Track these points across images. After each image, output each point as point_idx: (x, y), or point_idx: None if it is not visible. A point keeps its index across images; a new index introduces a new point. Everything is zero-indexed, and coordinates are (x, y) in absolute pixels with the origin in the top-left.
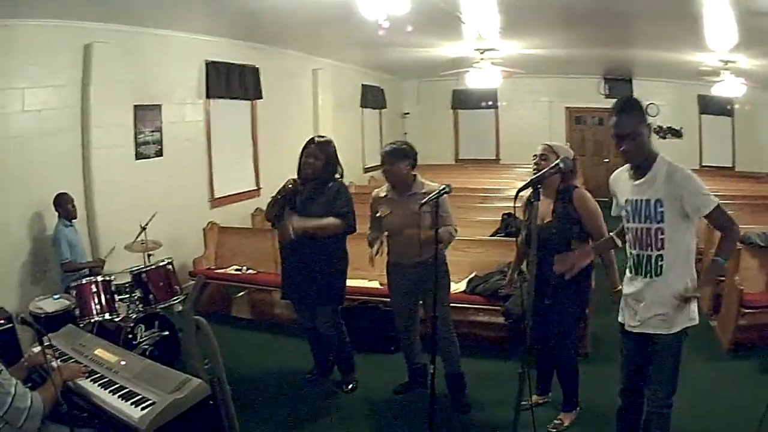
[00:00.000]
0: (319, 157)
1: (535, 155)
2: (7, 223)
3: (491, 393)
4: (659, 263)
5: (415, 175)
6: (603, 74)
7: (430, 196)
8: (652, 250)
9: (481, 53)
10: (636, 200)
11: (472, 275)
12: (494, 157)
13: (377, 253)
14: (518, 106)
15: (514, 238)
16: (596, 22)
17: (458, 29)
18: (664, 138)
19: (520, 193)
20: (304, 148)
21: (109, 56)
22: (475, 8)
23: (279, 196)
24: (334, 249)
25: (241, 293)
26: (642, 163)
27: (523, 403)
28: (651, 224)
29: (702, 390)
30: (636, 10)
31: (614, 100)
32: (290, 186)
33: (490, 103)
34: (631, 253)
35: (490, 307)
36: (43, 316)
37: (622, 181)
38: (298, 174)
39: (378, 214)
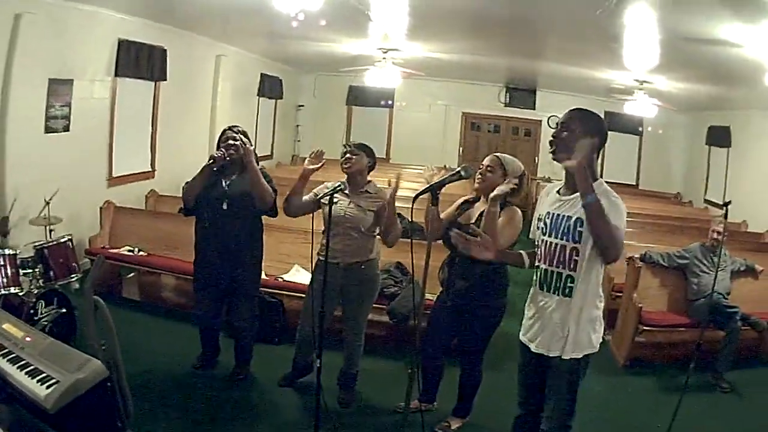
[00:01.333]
0: (239, 140)
1: (481, 165)
2: None
3: (376, 392)
4: (568, 283)
5: (369, 179)
6: (505, 83)
7: (327, 191)
8: (563, 269)
9: (384, 52)
10: (557, 215)
11: None
12: (384, 156)
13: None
14: (414, 107)
15: (403, 239)
16: (505, 31)
17: (365, 27)
18: None
19: (417, 198)
20: (221, 135)
21: (36, 28)
22: (384, 8)
23: (207, 170)
24: (258, 236)
25: (131, 274)
26: (573, 177)
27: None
28: (567, 242)
29: (597, 405)
30: (550, 25)
31: (515, 109)
32: (210, 164)
33: (387, 102)
34: (539, 267)
35: (375, 305)
36: None
37: (549, 196)
38: (217, 160)
39: (319, 197)
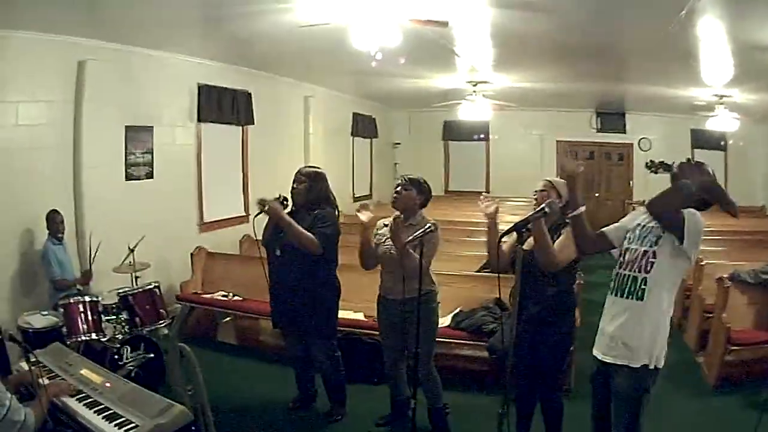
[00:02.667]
0: (302, 182)
1: (535, 191)
2: None
3: (473, 428)
4: (642, 286)
5: (422, 214)
6: (595, 108)
7: (416, 234)
8: (639, 272)
9: (474, 86)
10: (645, 225)
11: (457, 310)
12: (484, 190)
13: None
14: (509, 138)
15: (502, 275)
16: (589, 57)
17: (451, 61)
18: (656, 173)
19: (503, 238)
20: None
21: (102, 74)
22: (469, 42)
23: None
24: (325, 279)
25: (227, 319)
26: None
27: None
28: (648, 248)
29: (687, 426)
30: (629, 46)
31: (606, 134)
32: (276, 199)
33: (481, 135)
34: (618, 273)
35: (475, 342)
36: (31, 331)
37: (644, 215)
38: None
39: (376, 236)
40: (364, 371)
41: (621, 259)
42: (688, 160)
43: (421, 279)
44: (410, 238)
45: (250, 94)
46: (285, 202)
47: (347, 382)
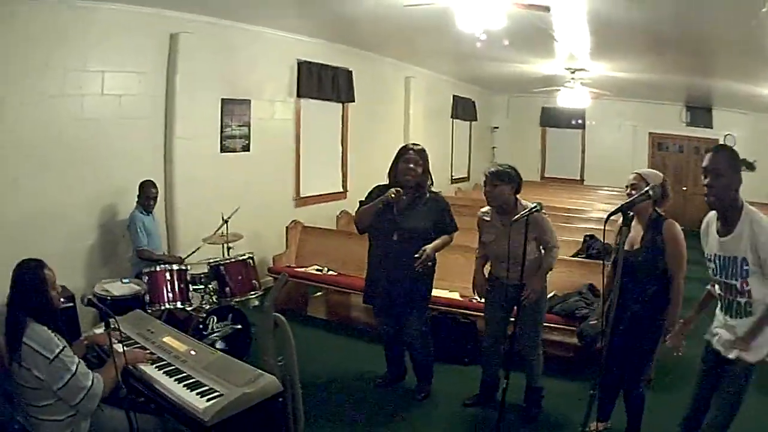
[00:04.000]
0: (419, 164)
1: (627, 185)
2: (77, 204)
3: (556, 412)
4: (748, 308)
5: (517, 199)
6: (684, 102)
7: (522, 213)
8: (741, 297)
9: (572, 73)
10: (722, 257)
11: (552, 294)
12: (578, 178)
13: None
14: (604, 128)
15: (596, 260)
16: (679, 49)
17: (551, 47)
18: None
19: (611, 218)
20: (400, 155)
21: (196, 47)
22: (567, 28)
23: (380, 205)
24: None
25: (319, 293)
26: (727, 214)
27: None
28: (737, 281)
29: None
30: (717, 40)
31: (695, 128)
32: (393, 196)
33: (579, 121)
34: (720, 295)
35: (565, 327)
36: (109, 299)
37: (711, 234)
38: (392, 181)
39: (483, 239)
40: (455, 351)
41: (716, 286)
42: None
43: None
44: (515, 218)
45: (351, 72)
46: (399, 195)
47: (437, 361)
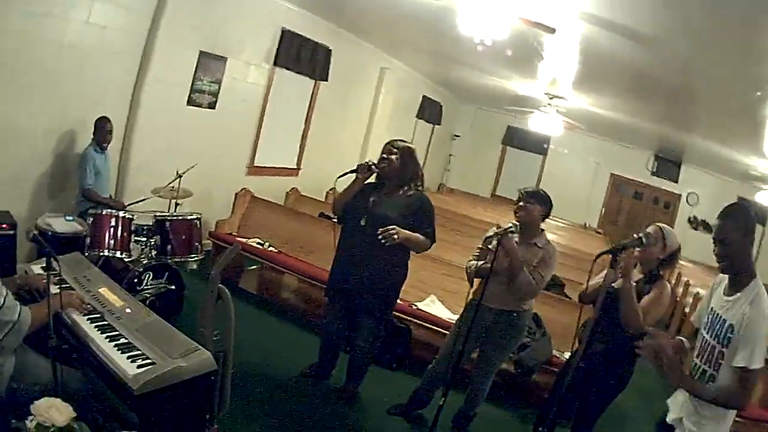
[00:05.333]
0: (395, 154)
1: (648, 232)
2: (37, 131)
3: None
4: (709, 383)
5: (542, 229)
6: (655, 150)
7: (497, 231)
8: (708, 367)
9: (550, 98)
10: (717, 315)
11: None
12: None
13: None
14: (567, 158)
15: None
16: (669, 97)
17: (535, 68)
18: (696, 229)
19: (598, 259)
20: (384, 146)
21: None
22: (559, 52)
23: (354, 188)
24: (399, 261)
25: (254, 267)
26: (737, 277)
27: None
28: (716, 344)
29: None
30: (708, 95)
31: (660, 179)
32: (368, 164)
33: (542, 148)
34: (693, 362)
35: None
36: (50, 234)
37: (718, 291)
38: (359, 170)
39: (490, 247)
40: (385, 355)
41: (696, 342)
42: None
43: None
44: (490, 235)
45: (330, 51)
46: (374, 167)
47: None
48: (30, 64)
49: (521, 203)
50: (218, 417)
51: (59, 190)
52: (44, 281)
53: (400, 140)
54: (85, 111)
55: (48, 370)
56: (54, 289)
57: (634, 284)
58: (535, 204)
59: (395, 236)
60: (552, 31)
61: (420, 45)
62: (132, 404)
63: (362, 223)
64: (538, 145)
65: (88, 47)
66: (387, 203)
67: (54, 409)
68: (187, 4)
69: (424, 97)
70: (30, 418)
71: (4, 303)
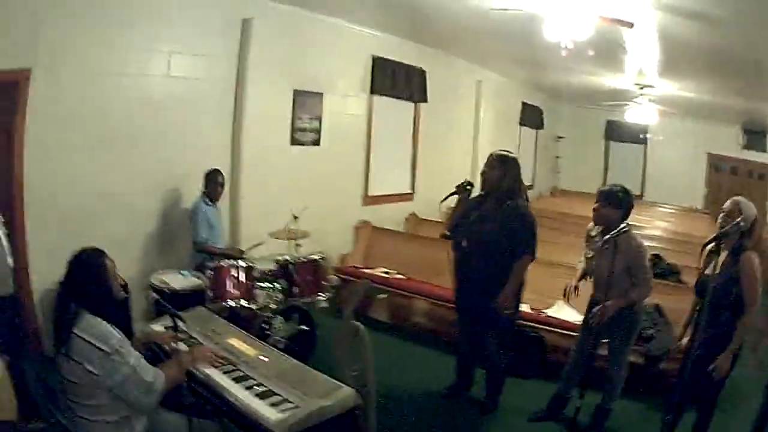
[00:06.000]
0: (495, 167)
1: (722, 210)
2: (138, 190)
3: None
4: None
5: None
6: (742, 125)
7: (612, 233)
8: None
9: (641, 88)
10: None
11: None
12: (638, 193)
13: (574, 291)
14: (666, 145)
15: (661, 280)
16: (744, 73)
17: (621, 62)
18: None
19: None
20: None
21: (269, 35)
22: (640, 44)
23: (459, 206)
24: (508, 270)
25: (383, 296)
26: None
27: None
28: None
29: None
30: None
31: (750, 152)
32: (464, 185)
33: (641, 138)
34: None
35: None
36: (167, 291)
37: None
38: (458, 190)
39: (585, 253)
40: (520, 365)
41: None
42: None
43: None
44: (606, 238)
45: (424, 71)
46: (469, 188)
47: (506, 374)
48: (118, 125)
49: (595, 206)
50: None
51: (168, 246)
52: (169, 338)
53: (500, 151)
54: (185, 164)
55: (180, 426)
56: (182, 346)
57: (721, 263)
58: (609, 207)
59: (506, 310)
60: (630, 25)
61: (510, 54)
62: None
63: (463, 244)
64: (637, 136)
65: (173, 100)
66: (488, 218)
67: None
68: (271, 44)
69: (523, 103)
70: None
71: (137, 364)
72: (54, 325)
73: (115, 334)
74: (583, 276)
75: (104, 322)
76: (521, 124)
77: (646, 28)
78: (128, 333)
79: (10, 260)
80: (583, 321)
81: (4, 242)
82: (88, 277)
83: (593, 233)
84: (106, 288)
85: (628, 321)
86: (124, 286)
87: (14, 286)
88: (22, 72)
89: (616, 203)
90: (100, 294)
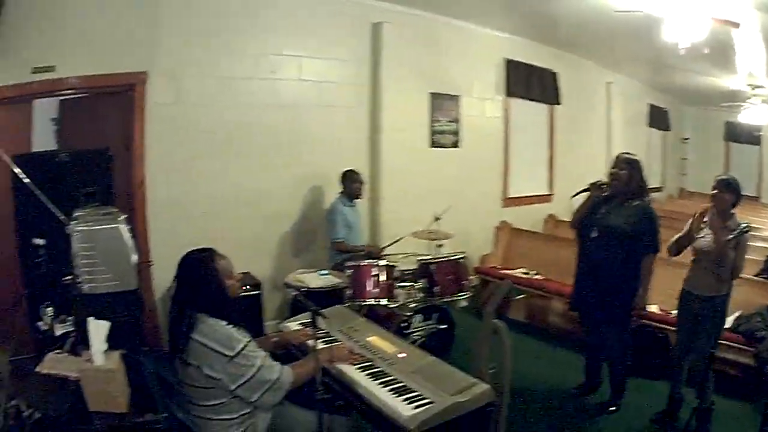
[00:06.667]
0: (623, 169)
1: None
2: (274, 190)
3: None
4: None
5: (734, 213)
6: None
7: (735, 232)
8: None
9: (753, 89)
10: None
11: (739, 313)
12: (755, 195)
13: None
14: None
15: None
16: None
17: (732, 62)
18: None
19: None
20: (614, 160)
21: (400, 38)
22: (746, 43)
23: (588, 203)
24: (635, 269)
25: (521, 296)
26: None
27: None
28: None
29: None
30: None
31: None
32: (598, 184)
33: (756, 136)
34: None
35: (743, 347)
36: (304, 290)
37: None
38: (590, 190)
39: (694, 232)
40: (646, 365)
41: None
42: None
43: (732, 278)
44: (731, 237)
45: (556, 74)
46: (603, 186)
47: (630, 375)
48: (250, 127)
49: (714, 191)
50: None
51: (303, 245)
52: (303, 337)
53: (626, 154)
54: (322, 166)
55: (308, 422)
56: (319, 345)
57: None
58: (725, 192)
59: (643, 311)
60: (737, 25)
61: (635, 55)
62: None
63: (593, 234)
64: (752, 136)
65: (306, 103)
66: (615, 214)
67: None
68: (402, 48)
69: (650, 105)
70: None
71: (261, 364)
72: (169, 332)
73: (239, 336)
74: (684, 245)
75: (226, 324)
76: (650, 125)
77: (751, 29)
78: (259, 330)
79: (134, 257)
80: (680, 311)
81: (128, 239)
82: (200, 280)
83: (707, 217)
84: (221, 289)
85: (716, 313)
86: (257, 285)
87: (137, 282)
88: (138, 74)
89: (732, 189)
90: (215, 295)
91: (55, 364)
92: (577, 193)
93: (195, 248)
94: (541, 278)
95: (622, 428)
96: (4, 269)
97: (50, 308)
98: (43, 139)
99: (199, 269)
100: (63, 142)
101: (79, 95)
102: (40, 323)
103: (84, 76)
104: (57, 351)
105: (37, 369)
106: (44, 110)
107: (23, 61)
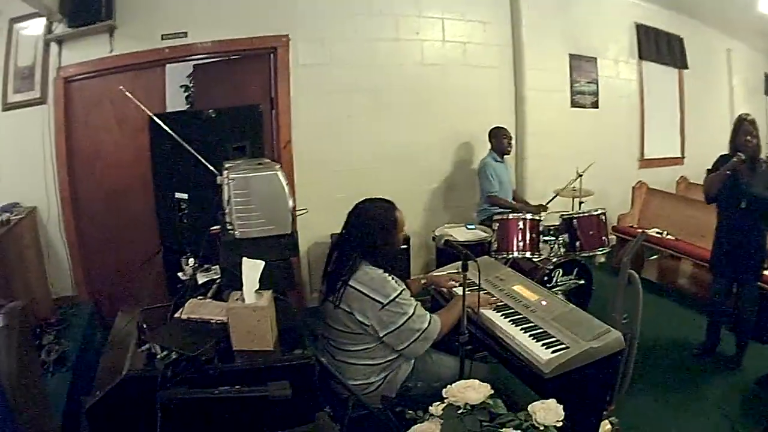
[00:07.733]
0: (754, 135)
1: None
2: (419, 148)
3: None
4: None
5: None
6: None
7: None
8: None
9: None
10: None
11: None
12: None
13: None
14: None
15: None
16: None
17: None
18: None
19: None
20: (737, 126)
21: (538, 2)
22: None
23: (727, 172)
24: None
25: (654, 256)
26: None
27: None
28: None
29: None
30: None
31: None
32: (739, 161)
33: None
34: None
35: None
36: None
37: None
38: (733, 151)
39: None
40: (761, 329)
41: None
42: None
43: None
44: None
45: (682, 39)
46: (745, 159)
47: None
48: (398, 87)
49: None
50: (618, 395)
51: (451, 201)
52: (449, 281)
53: (745, 114)
54: (469, 124)
55: (449, 368)
56: (461, 290)
57: None
58: None
59: None
60: None
61: (752, 24)
62: (539, 387)
63: (742, 206)
64: None
65: (451, 64)
66: (756, 182)
67: (471, 389)
68: (540, 10)
69: (765, 74)
70: (436, 404)
71: (413, 312)
72: (326, 275)
73: (394, 284)
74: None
75: (383, 272)
76: (766, 93)
77: None
78: (405, 278)
79: (290, 201)
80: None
81: (285, 185)
82: (378, 227)
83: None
84: (392, 239)
85: (760, 249)
86: (407, 239)
87: (293, 226)
88: (280, 37)
89: None
90: (384, 244)
91: (197, 308)
92: (714, 170)
93: (377, 198)
94: (673, 239)
95: (737, 388)
96: (142, 225)
97: (192, 259)
98: (177, 101)
99: (381, 218)
100: (198, 104)
101: (215, 59)
102: (179, 274)
103: (219, 41)
104: (199, 297)
105: (176, 315)
106: (177, 74)
107: (153, 29)
